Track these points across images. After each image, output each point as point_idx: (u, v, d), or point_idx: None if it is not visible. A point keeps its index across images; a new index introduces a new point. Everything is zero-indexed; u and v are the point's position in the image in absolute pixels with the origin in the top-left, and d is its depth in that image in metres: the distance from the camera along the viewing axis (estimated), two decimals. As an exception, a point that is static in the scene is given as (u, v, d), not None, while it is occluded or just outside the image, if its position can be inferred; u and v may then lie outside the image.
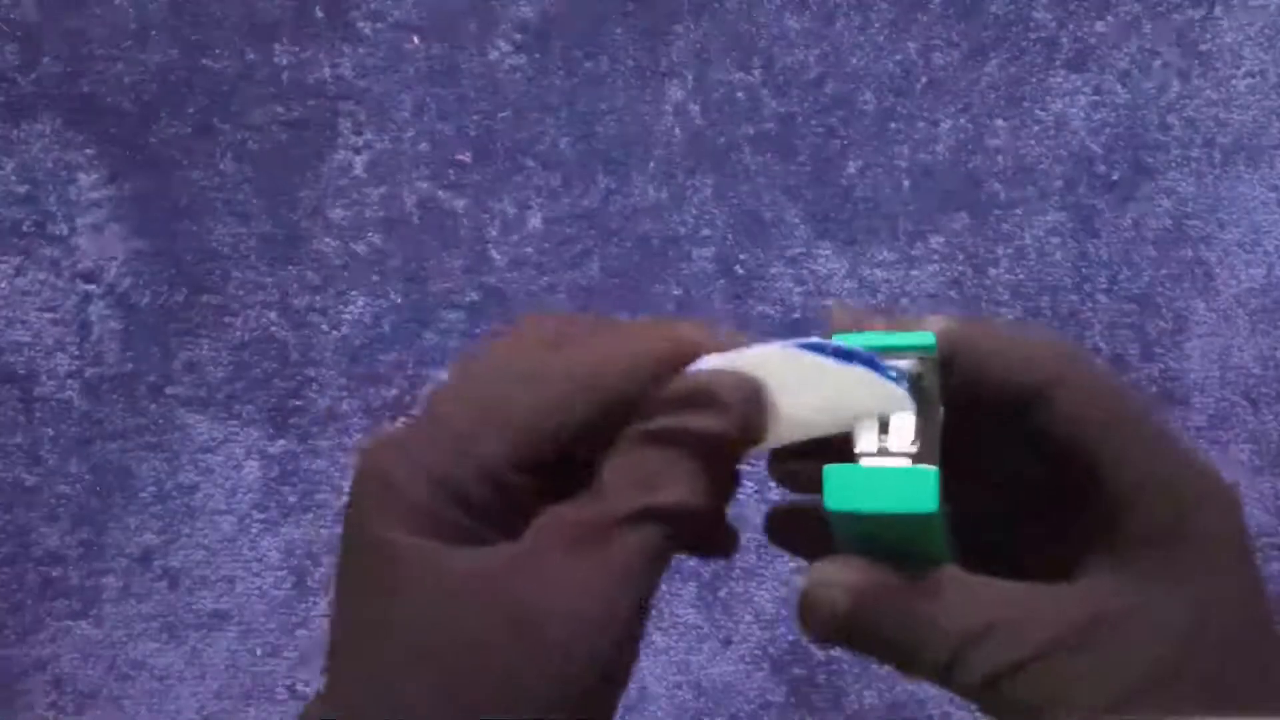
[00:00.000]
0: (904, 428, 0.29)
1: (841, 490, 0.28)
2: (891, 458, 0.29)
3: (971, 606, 0.29)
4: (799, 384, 0.29)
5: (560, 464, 0.29)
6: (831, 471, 0.28)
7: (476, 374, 0.29)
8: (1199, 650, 0.28)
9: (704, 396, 0.29)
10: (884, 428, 0.29)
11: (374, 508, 0.28)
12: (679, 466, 0.28)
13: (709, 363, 0.29)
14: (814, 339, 0.29)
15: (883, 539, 0.29)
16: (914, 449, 0.29)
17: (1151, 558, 0.28)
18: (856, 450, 0.29)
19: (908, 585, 0.29)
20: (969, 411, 0.30)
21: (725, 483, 0.30)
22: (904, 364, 0.29)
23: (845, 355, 0.29)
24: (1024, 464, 0.30)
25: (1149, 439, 0.29)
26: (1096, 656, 0.28)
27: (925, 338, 0.29)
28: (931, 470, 0.28)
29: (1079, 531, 0.30)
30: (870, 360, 0.29)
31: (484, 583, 0.27)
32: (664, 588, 1.05)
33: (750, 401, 0.29)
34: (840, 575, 0.29)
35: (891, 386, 0.29)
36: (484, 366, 0.30)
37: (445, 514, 0.28)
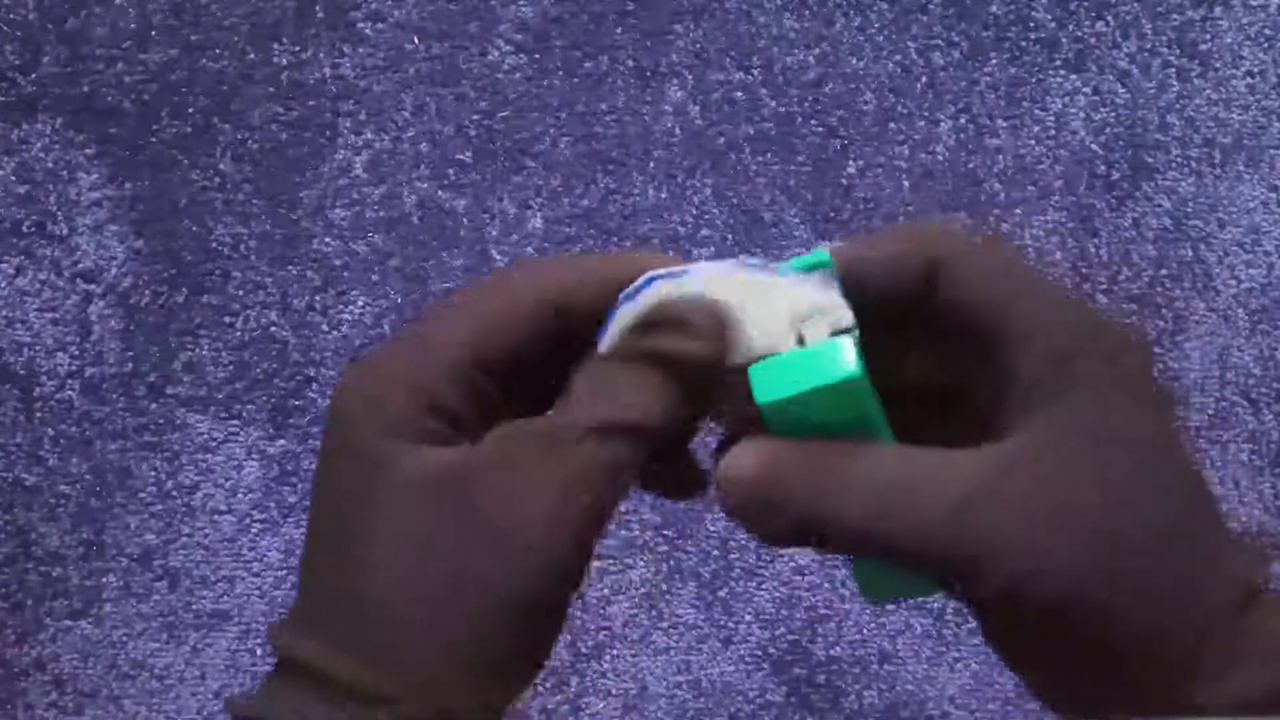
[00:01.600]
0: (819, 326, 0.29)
1: (768, 381, 0.29)
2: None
3: (882, 470, 0.29)
4: (746, 302, 0.30)
5: (530, 382, 0.31)
6: (757, 368, 0.29)
7: (447, 299, 0.31)
8: (1090, 490, 0.28)
9: (672, 318, 0.30)
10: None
11: (354, 417, 0.30)
12: (644, 385, 0.29)
13: (659, 281, 0.30)
14: (751, 259, 0.30)
15: (823, 429, 0.29)
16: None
17: (1043, 406, 0.29)
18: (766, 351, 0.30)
19: (818, 452, 0.29)
20: (873, 320, 0.30)
21: (690, 409, 0.30)
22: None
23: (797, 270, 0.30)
24: (932, 351, 0.31)
25: (1034, 291, 0.30)
26: (1003, 507, 0.28)
27: (819, 255, 0.30)
28: (844, 339, 0.29)
29: (989, 400, 0.30)
30: (825, 272, 0.30)
31: (449, 482, 0.29)
32: (664, 587, 1.05)
33: (716, 324, 0.30)
34: (751, 448, 0.30)
35: (839, 299, 0.29)
36: (456, 293, 0.32)
37: (421, 421, 0.29)
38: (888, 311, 0.30)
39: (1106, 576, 0.27)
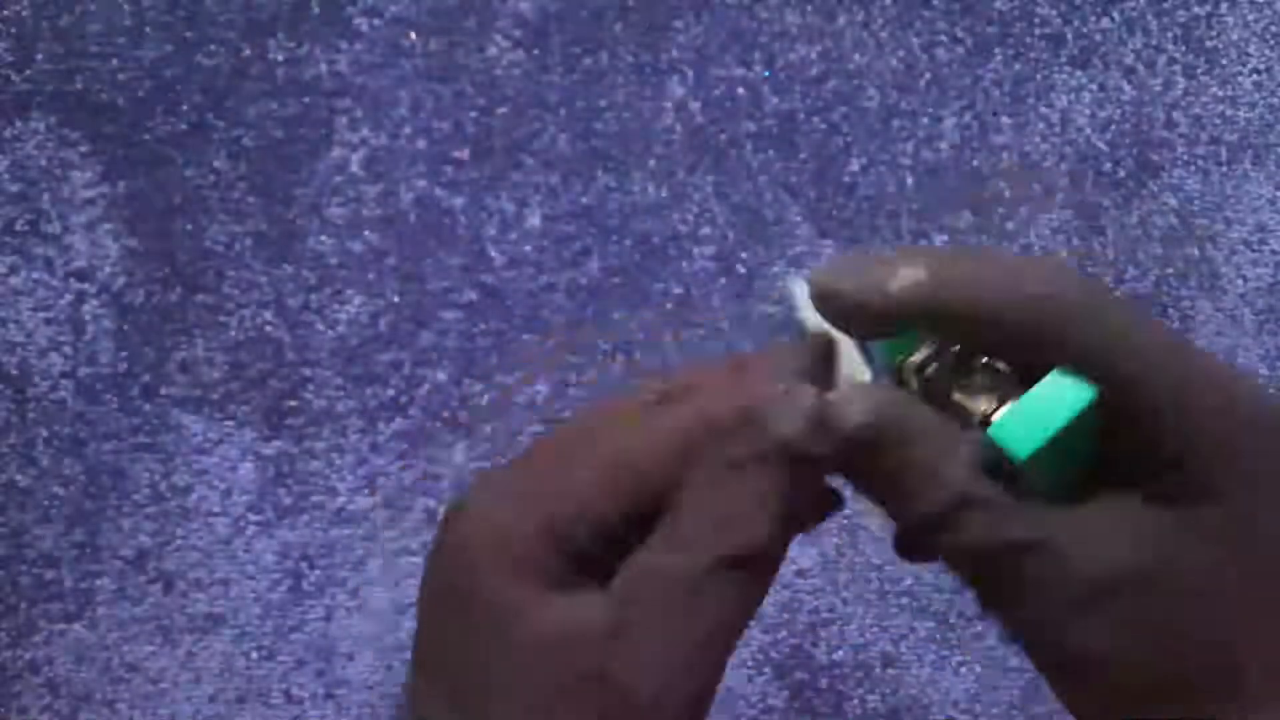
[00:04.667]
0: (993, 373, 0.29)
1: (1015, 436, 0.28)
2: (1000, 397, 0.29)
3: (977, 474, 0.28)
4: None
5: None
6: (1003, 427, 0.28)
7: (582, 422, 0.30)
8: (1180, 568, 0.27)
9: (756, 413, 0.28)
10: (963, 383, 0.29)
11: (479, 549, 0.28)
12: (749, 494, 0.28)
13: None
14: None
15: (1071, 463, 0.28)
16: (1008, 374, 0.29)
17: (1180, 481, 0.27)
18: (983, 414, 0.29)
19: (931, 422, 0.28)
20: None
21: (809, 495, 0.29)
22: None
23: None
24: None
25: (1171, 357, 0.28)
26: (1073, 560, 0.27)
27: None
28: (1053, 372, 0.28)
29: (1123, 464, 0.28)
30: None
31: (580, 644, 0.27)
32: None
33: (807, 408, 0.28)
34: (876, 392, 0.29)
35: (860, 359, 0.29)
36: (589, 416, 0.30)
37: (552, 563, 0.28)
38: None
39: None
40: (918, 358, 0.29)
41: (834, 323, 0.29)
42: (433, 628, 0.29)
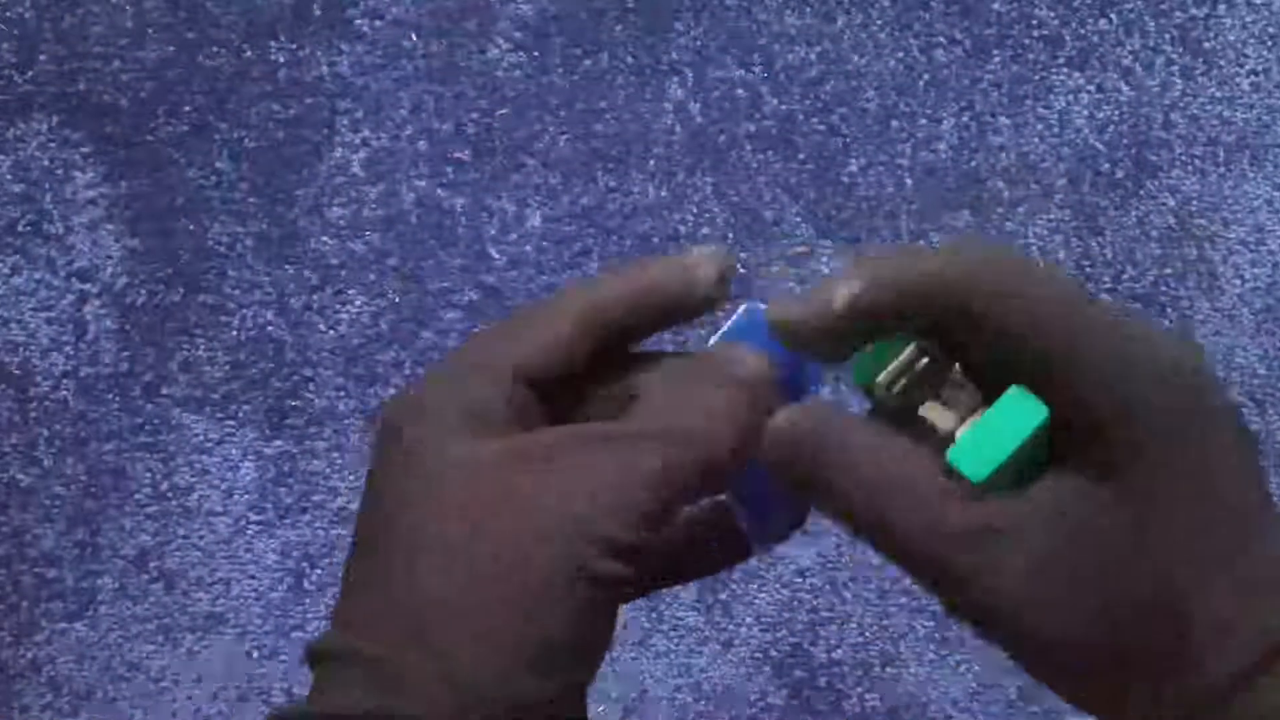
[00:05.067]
0: (959, 388, 0.30)
1: (974, 458, 0.29)
2: (965, 411, 0.30)
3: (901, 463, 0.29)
4: None
5: (567, 392, 0.31)
6: (960, 451, 0.29)
7: (490, 324, 0.33)
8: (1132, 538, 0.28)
9: (755, 361, 0.31)
10: (934, 397, 0.30)
11: (401, 421, 0.30)
12: (717, 401, 0.30)
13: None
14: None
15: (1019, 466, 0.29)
16: (972, 389, 0.30)
17: (1096, 450, 0.28)
18: (941, 429, 0.30)
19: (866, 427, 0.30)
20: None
21: (755, 436, 0.30)
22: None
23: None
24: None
25: (1091, 325, 0.28)
26: (1012, 543, 0.28)
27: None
28: (1012, 388, 0.29)
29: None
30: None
31: (506, 464, 0.29)
32: (664, 590, 1.04)
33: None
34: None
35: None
36: (517, 311, 0.32)
37: (469, 423, 0.29)
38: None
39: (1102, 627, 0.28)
40: (884, 376, 0.30)
41: (799, 349, 0.30)
42: (366, 505, 0.30)
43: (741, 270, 1.03)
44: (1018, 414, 0.28)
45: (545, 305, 0.31)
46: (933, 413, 0.30)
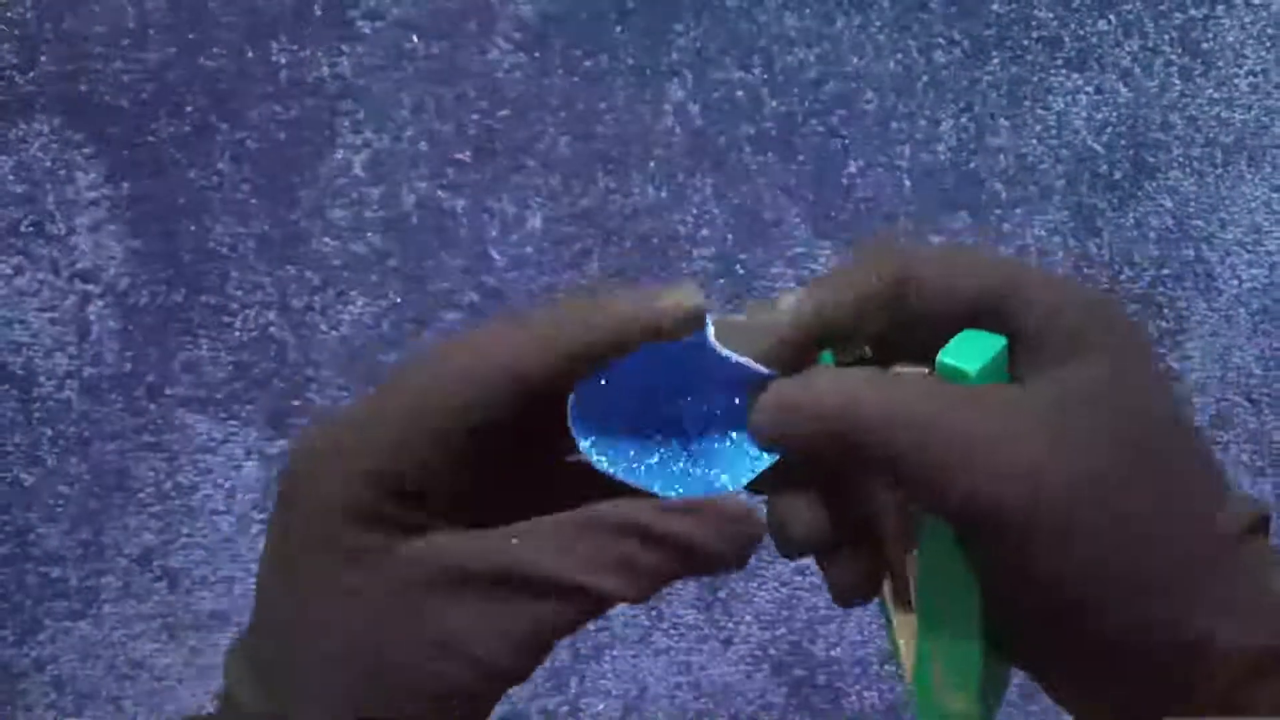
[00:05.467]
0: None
1: (967, 355, 0.31)
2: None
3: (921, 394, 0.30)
4: None
5: (500, 443, 0.30)
6: (949, 354, 0.31)
7: (409, 369, 0.30)
8: (1097, 438, 0.29)
9: (705, 516, 0.30)
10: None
11: (306, 498, 0.29)
12: (633, 562, 0.29)
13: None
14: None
15: None
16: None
17: (1054, 364, 0.30)
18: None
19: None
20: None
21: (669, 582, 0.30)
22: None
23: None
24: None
25: (1016, 270, 0.31)
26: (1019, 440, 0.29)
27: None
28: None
29: None
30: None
31: (401, 597, 0.28)
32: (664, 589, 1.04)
33: (749, 535, 0.30)
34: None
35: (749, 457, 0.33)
36: (417, 362, 0.31)
37: (382, 508, 0.29)
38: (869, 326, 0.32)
39: (1105, 510, 0.28)
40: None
41: (778, 367, 0.31)
42: (272, 569, 0.30)
43: (741, 271, 1.03)
44: (981, 338, 0.31)
45: (458, 351, 0.30)
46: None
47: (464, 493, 0.30)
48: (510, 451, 0.30)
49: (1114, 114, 1.05)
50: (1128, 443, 0.29)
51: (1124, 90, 1.05)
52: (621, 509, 0.29)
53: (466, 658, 0.28)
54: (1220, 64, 1.06)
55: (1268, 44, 1.06)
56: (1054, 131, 1.05)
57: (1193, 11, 1.06)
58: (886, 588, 0.35)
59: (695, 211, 1.03)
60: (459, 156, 1.04)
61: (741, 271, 1.03)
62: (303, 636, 0.29)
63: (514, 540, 0.29)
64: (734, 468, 0.32)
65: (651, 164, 1.04)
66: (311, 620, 0.29)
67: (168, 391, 1.01)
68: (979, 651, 0.31)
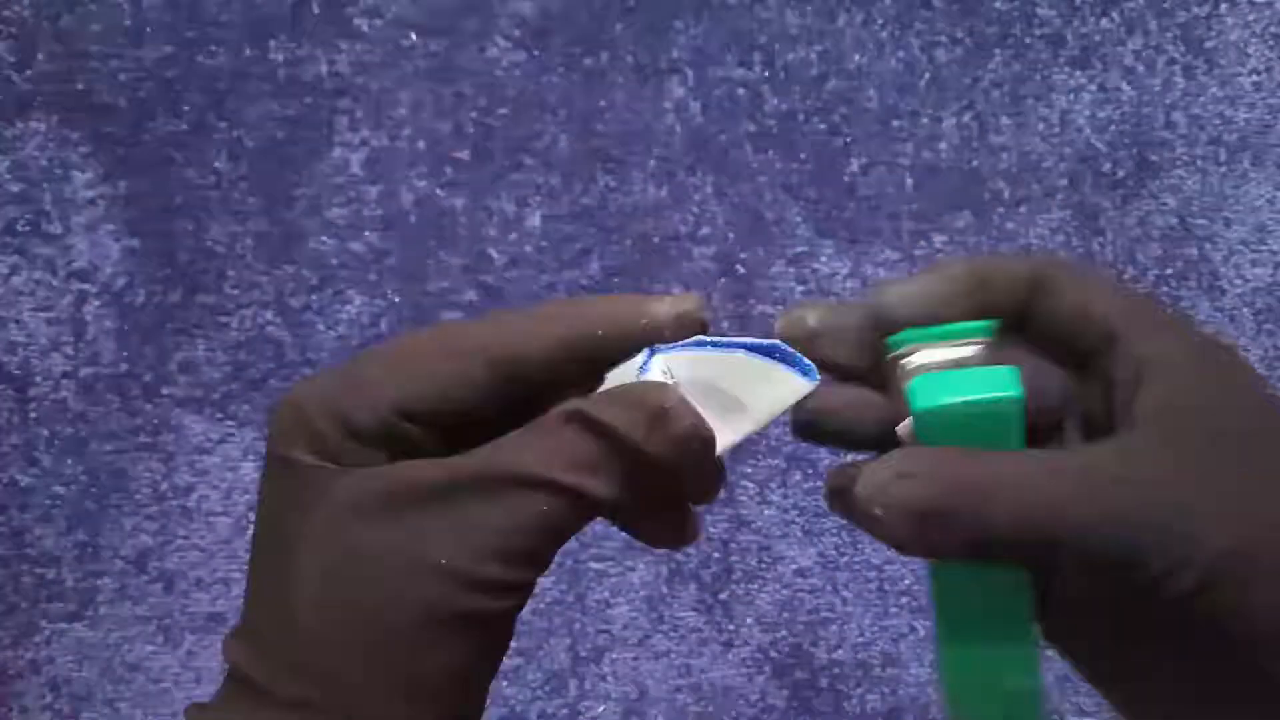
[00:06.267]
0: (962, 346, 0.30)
1: (930, 390, 0.28)
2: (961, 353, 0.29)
3: (1040, 471, 0.28)
4: (731, 383, 0.30)
5: (481, 437, 0.30)
6: (921, 380, 0.29)
7: (403, 339, 0.31)
8: (1226, 473, 0.28)
9: (650, 408, 0.29)
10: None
11: (284, 431, 0.30)
12: (596, 456, 0.29)
13: (653, 365, 0.30)
14: (742, 340, 0.30)
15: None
16: (976, 350, 0.29)
17: (1166, 401, 0.28)
18: (918, 363, 0.30)
19: (980, 459, 0.28)
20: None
21: (632, 490, 0.30)
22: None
23: (762, 350, 0.30)
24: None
25: (1143, 303, 0.30)
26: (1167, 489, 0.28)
27: (982, 326, 0.30)
28: (1012, 367, 0.29)
29: (1091, 407, 0.30)
30: (775, 351, 0.30)
31: (379, 506, 0.28)
32: (664, 590, 1.05)
33: (696, 439, 0.29)
34: (913, 462, 0.28)
35: (794, 375, 0.30)
36: (412, 335, 0.31)
37: (342, 443, 0.30)
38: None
39: (1252, 556, 0.27)
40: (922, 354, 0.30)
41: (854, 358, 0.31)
42: (258, 515, 0.31)
43: (742, 271, 1.03)
44: (996, 381, 0.28)
45: (448, 334, 0.30)
46: (921, 355, 0.30)
47: (408, 440, 0.30)
48: (488, 436, 0.30)
49: (1117, 112, 1.05)
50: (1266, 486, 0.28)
51: (1127, 88, 1.05)
52: (565, 405, 0.29)
53: (441, 572, 0.28)
54: (1224, 62, 1.05)
55: (1271, 42, 1.06)
56: (1057, 130, 1.04)
57: (1196, 9, 1.06)
58: None
59: (696, 210, 1.03)
60: (458, 155, 1.03)
61: (742, 270, 1.03)
62: (298, 584, 0.29)
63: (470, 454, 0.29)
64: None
65: (652, 162, 1.03)
66: (303, 565, 0.29)
67: (164, 391, 1.01)
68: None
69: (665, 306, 0.30)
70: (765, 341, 0.30)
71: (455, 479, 0.28)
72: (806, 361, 0.30)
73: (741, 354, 0.30)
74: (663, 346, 0.30)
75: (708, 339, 0.30)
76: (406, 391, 0.30)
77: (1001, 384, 0.28)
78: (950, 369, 0.29)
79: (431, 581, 0.28)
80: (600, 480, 0.28)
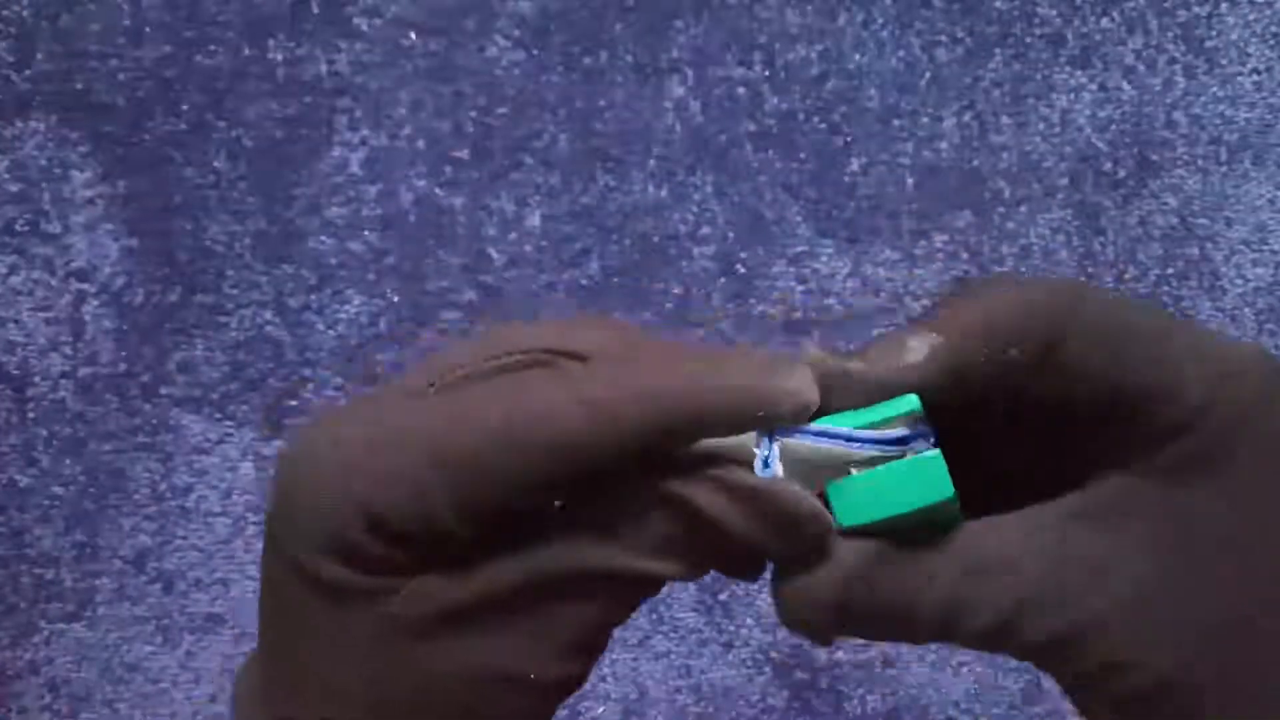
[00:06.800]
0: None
1: (853, 501, 0.26)
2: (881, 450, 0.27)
3: (969, 552, 0.26)
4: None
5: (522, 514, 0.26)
6: (835, 488, 0.26)
7: (444, 401, 0.25)
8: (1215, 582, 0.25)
9: (782, 514, 0.26)
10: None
11: (305, 536, 0.25)
12: (690, 542, 0.25)
13: (774, 461, 0.26)
14: (869, 435, 0.27)
15: (900, 530, 0.27)
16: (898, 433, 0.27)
17: (1162, 456, 0.25)
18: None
19: (899, 560, 0.26)
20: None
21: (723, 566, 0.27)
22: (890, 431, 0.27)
23: (888, 443, 0.27)
24: (1024, 400, 0.27)
25: (1154, 340, 0.26)
26: (1085, 584, 0.25)
27: (909, 402, 0.27)
28: (935, 453, 0.26)
29: (1094, 448, 0.27)
30: (905, 439, 0.27)
31: (417, 634, 0.25)
32: (664, 591, 1.04)
33: (817, 535, 0.26)
34: (827, 579, 0.26)
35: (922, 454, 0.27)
36: (457, 397, 0.25)
37: (382, 551, 0.25)
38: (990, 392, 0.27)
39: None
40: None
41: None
42: (268, 612, 0.26)
43: (742, 271, 1.03)
44: (925, 479, 0.26)
45: (518, 410, 0.24)
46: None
47: (454, 540, 0.25)
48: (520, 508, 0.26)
49: (1117, 112, 1.05)
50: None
51: (1127, 88, 1.05)
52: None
53: (511, 681, 0.25)
54: (1224, 62, 1.05)
55: (1272, 41, 1.06)
56: (1057, 129, 1.04)
57: (1196, 9, 1.06)
58: None
59: (695, 210, 1.03)
60: (457, 154, 1.03)
61: (742, 270, 1.02)
62: (306, 675, 0.26)
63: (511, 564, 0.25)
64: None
65: (651, 162, 1.03)
66: (311, 660, 0.26)
67: (163, 391, 1.01)
68: None
69: (788, 396, 0.25)
70: (892, 434, 0.27)
71: (532, 581, 0.25)
72: (925, 430, 0.27)
73: (870, 450, 0.27)
74: (779, 431, 0.26)
75: (830, 429, 0.27)
76: (461, 496, 0.24)
77: (933, 483, 0.26)
78: (867, 468, 0.26)
79: (507, 695, 0.25)
80: (684, 565, 0.26)
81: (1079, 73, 1.05)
